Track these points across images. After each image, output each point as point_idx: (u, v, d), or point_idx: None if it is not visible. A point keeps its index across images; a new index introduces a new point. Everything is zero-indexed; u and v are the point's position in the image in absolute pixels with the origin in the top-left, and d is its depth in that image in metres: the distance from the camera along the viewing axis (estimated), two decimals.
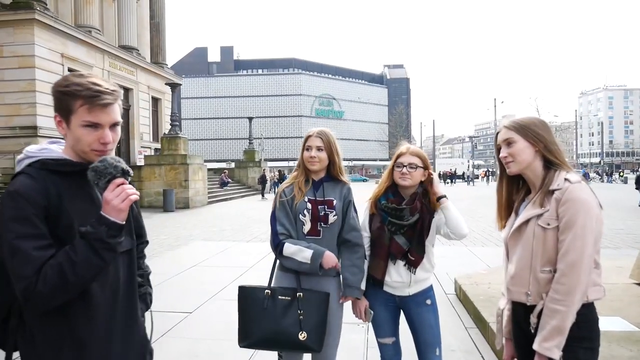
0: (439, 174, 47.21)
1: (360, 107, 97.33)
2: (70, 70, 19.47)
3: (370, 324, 2.57)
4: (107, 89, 1.39)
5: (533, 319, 1.69)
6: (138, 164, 21.46)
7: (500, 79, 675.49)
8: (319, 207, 2.39)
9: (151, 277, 1.84)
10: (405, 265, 2.39)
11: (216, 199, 22.51)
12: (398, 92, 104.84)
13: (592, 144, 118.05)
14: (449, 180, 46.48)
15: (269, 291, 2.29)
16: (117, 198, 1.34)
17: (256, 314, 2.26)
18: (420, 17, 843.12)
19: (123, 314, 1.50)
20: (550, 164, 1.75)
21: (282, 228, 2.37)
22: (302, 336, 2.21)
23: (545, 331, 1.62)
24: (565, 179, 1.67)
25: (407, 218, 2.35)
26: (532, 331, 1.69)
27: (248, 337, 2.28)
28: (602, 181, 48.22)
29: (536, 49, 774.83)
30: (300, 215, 2.38)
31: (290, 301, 2.27)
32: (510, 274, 1.81)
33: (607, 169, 63.68)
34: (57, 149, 1.46)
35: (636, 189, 19.28)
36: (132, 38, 24.66)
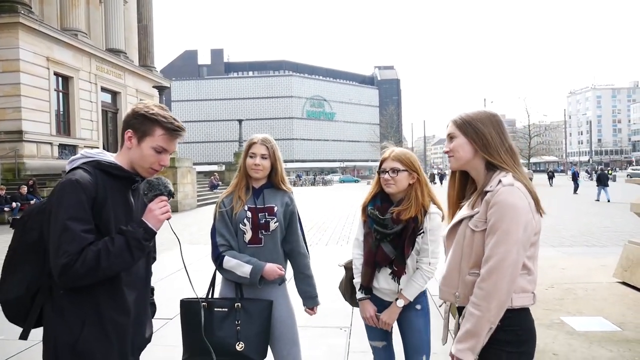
0: (431, 175, 47.16)
1: (351, 109, 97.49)
2: (56, 74, 19.29)
3: (364, 327, 2.52)
4: (181, 126, 1.74)
5: (460, 320, 1.66)
6: None
7: (490, 78, 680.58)
8: (259, 214, 2.37)
9: None
10: (390, 274, 2.32)
11: (206, 202, 22.35)
12: (389, 93, 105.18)
13: (581, 143, 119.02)
14: (437, 181, 45.65)
15: (206, 304, 2.27)
16: (159, 210, 1.67)
17: (194, 327, 2.25)
18: (410, 18, 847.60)
19: (139, 305, 1.76)
20: (490, 163, 1.68)
21: (221, 239, 2.36)
22: (240, 347, 2.20)
23: (461, 333, 1.60)
24: (500, 181, 1.60)
25: (391, 227, 2.28)
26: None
27: (187, 351, 2.30)
28: (592, 179, 48.67)
29: (525, 49, 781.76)
30: (241, 225, 2.36)
31: (227, 312, 2.26)
32: (442, 274, 1.77)
33: (595, 167, 64.28)
34: (110, 156, 1.73)
35: (597, 186, 21.20)
36: (120, 41, 24.44)
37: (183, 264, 1.93)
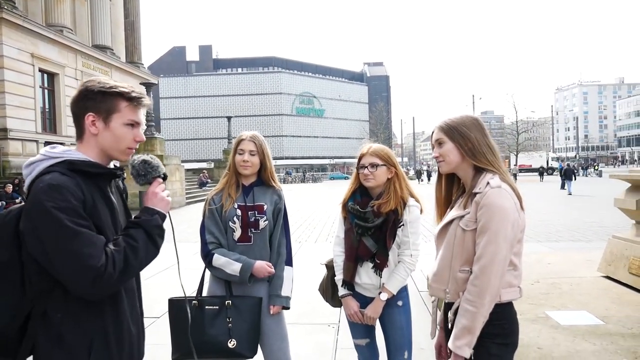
0: (417, 172, 46.94)
1: (341, 105, 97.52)
2: (41, 70, 19.01)
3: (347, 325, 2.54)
4: (143, 93, 1.57)
5: (450, 315, 1.76)
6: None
7: (478, 75, 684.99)
8: (249, 212, 2.38)
9: None
10: (372, 267, 2.36)
11: (195, 200, 22.22)
12: (378, 89, 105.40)
13: (568, 139, 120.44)
14: (425, 178, 44.57)
15: (196, 302, 2.28)
16: (164, 192, 1.56)
17: (184, 326, 2.22)
18: (399, 15, 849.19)
19: (136, 313, 1.61)
20: (477, 166, 1.77)
21: (211, 237, 2.37)
22: (232, 344, 2.21)
23: (457, 329, 1.68)
24: (487, 183, 1.69)
25: (372, 220, 2.33)
26: (450, 327, 1.75)
27: (177, 350, 2.29)
28: (579, 175, 49.33)
29: (513, 46, 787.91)
30: (230, 222, 2.37)
31: (218, 310, 2.26)
32: (433, 271, 1.85)
33: (582, 162, 65.10)
34: (77, 152, 1.50)
35: (564, 179, 24.00)
36: (106, 37, 24.16)
37: (177, 262, 1.76)
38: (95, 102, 1.47)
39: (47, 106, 19.80)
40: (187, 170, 26.66)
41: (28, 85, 18.14)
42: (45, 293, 1.37)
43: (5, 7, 16.67)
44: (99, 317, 1.43)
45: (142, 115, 1.56)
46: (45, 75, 19.69)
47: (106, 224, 1.44)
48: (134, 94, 1.52)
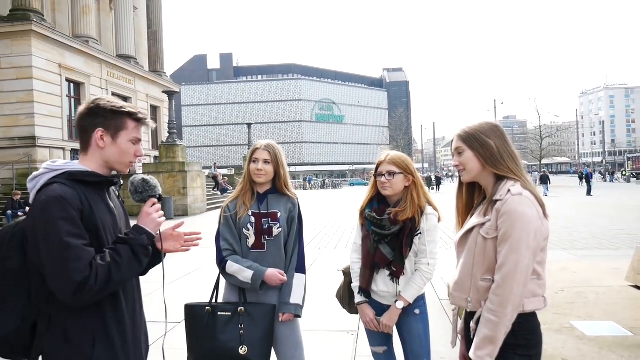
0: (427, 179, 42.43)
1: (361, 111, 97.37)
2: (68, 80, 19.57)
3: (364, 332, 2.53)
4: (146, 114, 1.72)
5: (472, 325, 1.72)
6: (136, 172, 21.47)
7: (500, 79, 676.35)
8: (263, 220, 2.40)
9: (144, 286, 1.91)
10: (389, 275, 2.35)
11: (215, 206, 22.45)
12: (398, 95, 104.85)
13: (594, 143, 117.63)
14: (435, 186, 37.42)
15: (209, 308, 2.30)
16: (157, 214, 1.65)
17: (198, 332, 2.28)
18: (419, 20, 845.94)
19: (136, 310, 1.72)
20: (498, 174, 1.75)
21: (225, 244, 2.40)
22: (243, 350, 2.21)
23: (478, 339, 1.65)
24: (508, 190, 1.66)
25: (389, 228, 2.32)
26: (472, 337, 1.71)
27: (191, 356, 2.33)
28: (605, 180, 48.06)
29: (536, 49, 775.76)
30: (244, 229, 2.40)
31: (230, 316, 2.27)
32: (454, 280, 1.82)
33: (609, 168, 63.48)
34: (77, 164, 1.63)
35: (540, 184, 26.24)
36: (130, 47, 24.72)
37: (163, 285, 1.81)
38: (105, 119, 1.61)
39: (73, 114, 20.33)
40: (208, 177, 26.97)
41: (55, 95, 18.69)
42: (49, 297, 1.49)
43: (35, 20, 17.24)
44: (100, 316, 1.54)
45: (143, 133, 1.74)
46: (72, 85, 20.25)
47: (107, 229, 1.57)
48: (140, 115, 1.67)
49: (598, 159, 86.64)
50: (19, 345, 1.53)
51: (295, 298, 2.42)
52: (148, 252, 1.60)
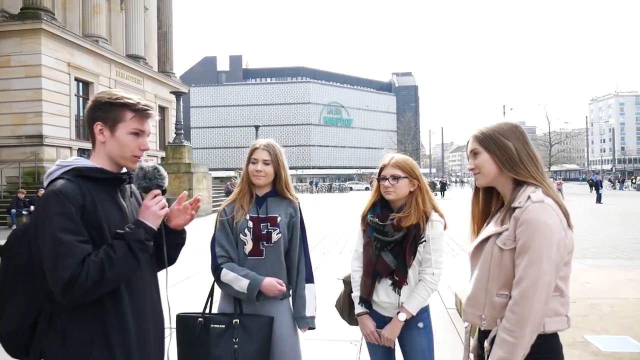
0: (430, 183, 42.17)
1: (369, 115, 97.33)
2: (77, 79, 19.64)
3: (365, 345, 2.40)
4: (149, 105, 1.65)
5: (487, 345, 1.55)
6: None
7: (509, 85, 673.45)
8: (262, 224, 2.24)
9: None
10: (391, 285, 2.21)
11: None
12: (406, 99, 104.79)
13: (604, 151, 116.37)
14: (438, 192, 35.44)
15: (202, 319, 2.13)
16: (157, 206, 1.57)
17: (190, 345, 2.11)
18: (428, 24, 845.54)
19: (144, 312, 1.61)
20: (517, 179, 1.58)
21: (221, 250, 2.23)
22: None
23: None
24: (529, 197, 1.49)
25: (391, 234, 2.18)
26: (486, 358, 1.54)
27: None
28: (615, 188, 47.52)
29: (546, 55, 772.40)
30: (241, 235, 2.23)
31: (224, 329, 2.10)
32: (467, 294, 1.66)
33: (619, 175, 62.76)
34: (87, 160, 1.62)
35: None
36: (140, 47, 24.82)
37: (166, 280, 1.73)
38: (103, 112, 1.58)
39: (81, 114, 20.39)
40: (215, 178, 26.97)
41: (64, 94, 18.75)
42: (50, 294, 1.45)
43: (45, 19, 17.33)
44: (101, 316, 1.49)
45: (148, 125, 1.64)
46: (81, 84, 20.33)
47: (112, 226, 1.51)
48: (139, 106, 1.60)
49: (608, 167, 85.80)
50: (22, 343, 1.52)
51: (310, 310, 2.30)
52: (145, 247, 1.52)
